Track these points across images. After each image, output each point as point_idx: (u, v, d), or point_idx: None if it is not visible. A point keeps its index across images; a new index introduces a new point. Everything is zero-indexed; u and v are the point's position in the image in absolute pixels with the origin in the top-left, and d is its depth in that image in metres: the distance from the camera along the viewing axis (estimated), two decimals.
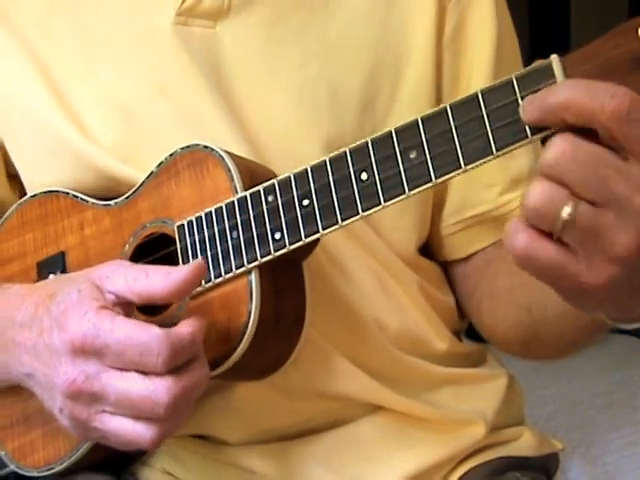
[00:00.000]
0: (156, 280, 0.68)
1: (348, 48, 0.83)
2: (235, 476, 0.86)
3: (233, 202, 0.73)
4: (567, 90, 0.54)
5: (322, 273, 0.81)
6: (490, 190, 0.86)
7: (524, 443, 0.92)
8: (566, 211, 0.53)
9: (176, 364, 0.67)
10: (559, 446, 0.97)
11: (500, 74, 0.84)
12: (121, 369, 0.67)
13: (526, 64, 0.89)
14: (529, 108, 0.56)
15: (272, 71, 0.83)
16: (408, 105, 0.84)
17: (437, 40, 0.84)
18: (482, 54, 0.85)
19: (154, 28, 0.84)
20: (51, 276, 0.85)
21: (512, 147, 0.59)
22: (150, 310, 0.75)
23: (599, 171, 0.53)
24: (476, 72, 0.85)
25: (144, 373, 0.66)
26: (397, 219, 0.84)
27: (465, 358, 0.91)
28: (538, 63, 0.58)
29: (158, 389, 0.66)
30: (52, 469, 0.81)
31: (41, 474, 0.82)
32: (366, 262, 0.83)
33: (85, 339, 0.67)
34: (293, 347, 0.76)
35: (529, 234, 0.55)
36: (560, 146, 0.53)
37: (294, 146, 0.81)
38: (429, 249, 0.90)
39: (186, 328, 0.67)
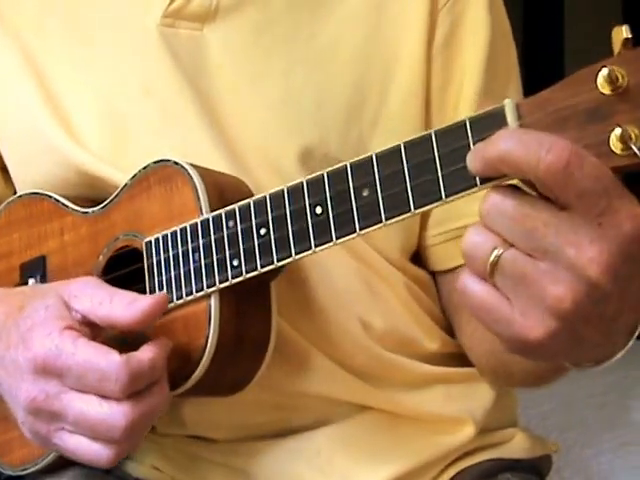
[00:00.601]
0: (118, 308, 0.69)
1: (336, 55, 0.82)
2: (222, 473, 0.86)
3: (196, 224, 0.73)
4: (503, 142, 0.53)
5: (302, 275, 0.81)
6: (475, 202, 0.85)
7: (516, 445, 0.92)
8: (493, 257, 0.54)
9: (134, 390, 0.67)
10: (552, 448, 0.97)
11: (492, 82, 0.84)
12: (81, 391, 0.67)
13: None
14: (471, 158, 0.55)
15: (257, 77, 0.82)
16: (397, 113, 0.82)
17: (427, 46, 0.83)
18: (474, 61, 0.84)
19: (141, 29, 0.83)
20: (31, 280, 0.85)
21: (461, 194, 0.58)
22: None
23: (527, 224, 0.53)
24: (468, 79, 0.84)
25: (103, 396, 0.67)
26: (386, 229, 0.83)
27: (458, 358, 0.90)
28: (491, 107, 0.56)
29: (115, 414, 0.67)
30: (26, 469, 0.83)
31: (16, 473, 0.84)
32: (350, 263, 0.82)
33: (47, 360, 0.68)
34: (258, 367, 0.77)
35: (466, 272, 0.56)
36: (490, 198, 0.54)
37: (273, 154, 0.80)
38: (420, 258, 0.89)
39: (146, 354, 0.68)
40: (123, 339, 0.72)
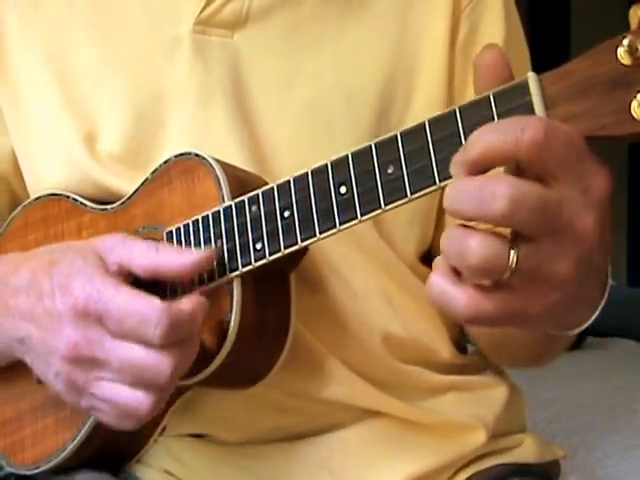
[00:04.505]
0: (168, 256, 0.70)
1: (364, 57, 0.83)
2: (234, 476, 0.86)
3: (219, 211, 0.74)
4: (478, 140, 0.53)
5: (325, 284, 0.81)
6: None
7: (525, 450, 0.92)
8: (512, 260, 0.52)
9: (174, 339, 0.67)
10: (560, 453, 0.97)
11: None
12: (122, 337, 0.67)
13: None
14: (454, 170, 0.55)
15: (287, 80, 0.83)
16: (421, 113, 0.83)
17: (450, 47, 0.84)
18: None
19: (172, 36, 0.84)
20: None
21: None
22: None
23: (547, 211, 0.52)
24: None
25: (143, 343, 0.67)
26: (408, 229, 0.84)
27: (467, 366, 0.91)
28: (515, 81, 0.57)
29: (162, 360, 0.66)
30: (39, 468, 0.82)
31: (29, 472, 0.83)
32: (373, 274, 0.83)
33: (88, 303, 0.67)
34: (276, 358, 0.77)
35: (472, 294, 0.53)
36: (509, 195, 0.51)
37: (303, 157, 0.81)
38: (431, 258, 0.89)
39: (187, 305, 0.67)
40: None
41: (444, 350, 0.88)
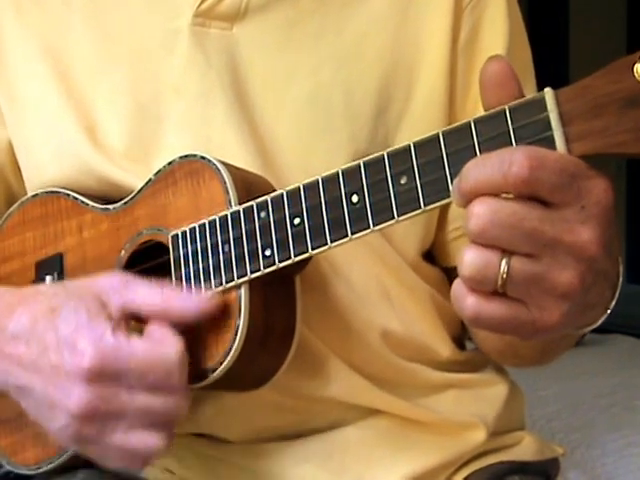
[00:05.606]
0: (176, 302, 0.71)
1: (363, 53, 0.83)
2: (234, 474, 0.86)
3: (226, 216, 0.73)
4: (469, 174, 0.56)
5: (324, 281, 0.81)
6: None
7: (525, 448, 0.92)
8: (502, 270, 0.55)
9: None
10: (560, 451, 0.97)
11: None
12: (141, 387, 0.68)
13: None
14: (454, 197, 0.58)
15: (286, 74, 0.83)
16: (421, 111, 0.83)
17: (452, 46, 0.84)
18: None
19: (171, 28, 0.84)
20: (48, 278, 0.85)
21: None
22: None
23: (525, 226, 0.54)
24: None
25: (162, 388, 0.68)
26: (409, 226, 0.84)
27: (466, 364, 0.91)
28: (531, 95, 0.58)
29: (181, 404, 0.69)
30: (40, 468, 0.82)
31: (30, 472, 0.83)
32: (373, 270, 0.83)
33: (104, 364, 0.67)
34: (282, 361, 0.77)
35: (476, 297, 0.57)
36: (481, 214, 0.55)
37: (302, 151, 0.81)
38: (433, 255, 0.90)
39: (181, 344, 0.70)
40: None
41: (443, 347, 0.88)
